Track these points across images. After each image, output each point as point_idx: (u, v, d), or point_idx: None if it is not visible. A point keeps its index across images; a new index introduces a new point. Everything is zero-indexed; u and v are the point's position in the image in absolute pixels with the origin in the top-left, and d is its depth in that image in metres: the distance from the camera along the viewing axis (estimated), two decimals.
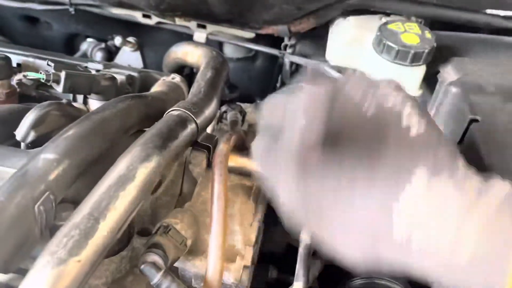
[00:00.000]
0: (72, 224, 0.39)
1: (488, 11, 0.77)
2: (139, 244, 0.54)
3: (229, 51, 1.14)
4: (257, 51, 1.11)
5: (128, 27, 1.11)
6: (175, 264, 0.52)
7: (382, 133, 0.35)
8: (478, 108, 0.60)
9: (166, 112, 0.54)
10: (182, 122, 0.52)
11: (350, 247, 0.35)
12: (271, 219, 0.63)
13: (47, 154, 0.43)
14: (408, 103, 0.36)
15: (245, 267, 0.50)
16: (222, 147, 0.52)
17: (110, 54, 1.04)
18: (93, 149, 0.46)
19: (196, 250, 0.52)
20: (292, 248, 0.72)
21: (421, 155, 0.34)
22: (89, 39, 1.21)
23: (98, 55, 1.02)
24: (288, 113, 0.36)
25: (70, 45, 1.30)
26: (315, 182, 0.35)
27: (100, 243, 0.39)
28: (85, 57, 1.17)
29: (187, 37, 1.04)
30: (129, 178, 0.43)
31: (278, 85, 1.14)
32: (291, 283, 0.63)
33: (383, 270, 0.35)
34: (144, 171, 0.44)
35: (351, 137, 0.35)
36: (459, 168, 0.34)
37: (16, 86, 0.63)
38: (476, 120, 0.59)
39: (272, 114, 0.39)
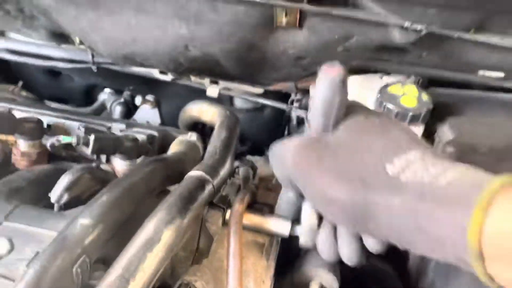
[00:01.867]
0: (105, 285, 0.44)
1: (481, 72, 0.83)
2: None
3: (239, 102, 1.21)
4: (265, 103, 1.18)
5: (145, 81, 1.18)
6: None
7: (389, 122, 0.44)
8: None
9: (186, 175, 0.59)
10: (200, 185, 0.57)
11: (340, 191, 0.39)
12: (279, 273, 0.67)
13: (84, 220, 0.48)
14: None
15: None
16: (237, 207, 0.57)
17: (128, 107, 1.10)
18: (123, 213, 0.51)
19: None
20: None
21: (418, 142, 0.41)
22: (106, 90, 1.29)
23: (117, 109, 1.09)
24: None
25: (88, 95, 1.39)
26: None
27: None
28: (103, 107, 1.25)
29: (201, 91, 1.12)
30: (156, 240, 0.48)
31: (286, 134, 1.20)
32: None
33: (368, 215, 0.38)
34: (169, 233, 0.49)
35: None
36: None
37: (48, 148, 0.69)
38: None
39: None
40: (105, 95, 1.27)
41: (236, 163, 0.81)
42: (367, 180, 0.39)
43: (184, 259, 0.63)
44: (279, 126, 1.21)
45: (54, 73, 1.31)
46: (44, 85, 1.34)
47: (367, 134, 0.43)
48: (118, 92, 1.28)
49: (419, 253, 0.38)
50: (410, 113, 0.74)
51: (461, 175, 0.35)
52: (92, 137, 0.65)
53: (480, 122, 0.76)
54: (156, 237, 0.48)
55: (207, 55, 0.82)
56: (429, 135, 0.80)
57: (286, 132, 1.21)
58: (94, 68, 1.08)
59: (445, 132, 0.75)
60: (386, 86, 0.80)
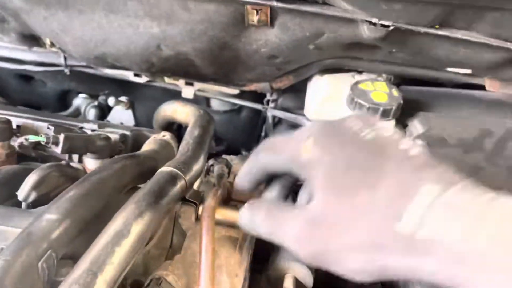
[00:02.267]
0: (72, 279, 0.43)
1: (450, 69, 0.85)
2: None
3: (216, 104, 1.21)
4: (242, 104, 1.19)
5: (119, 84, 1.18)
6: None
7: (381, 153, 0.37)
8: (441, 159, 0.66)
9: (157, 171, 0.59)
10: (172, 180, 0.57)
11: (352, 261, 0.36)
12: (257, 269, 0.67)
13: (50, 215, 0.47)
14: (404, 136, 0.40)
15: None
16: (209, 202, 0.57)
17: (103, 110, 1.09)
18: (91, 208, 0.51)
19: None
20: None
21: (424, 170, 0.35)
22: (81, 95, 1.28)
23: (92, 112, 1.08)
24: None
25: (62, 100, 1.37)
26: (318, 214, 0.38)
27: None
28: (77, 112, 1.23)
29: (176, 93, 1.12)
30: (124, 234, 0.47)
31: (262, 135, 1.20)
32: None
33: (389, 277, 0.35)
34: (138, 227, 0.48)
35: (351, 161, 0.37)
36: (464, 180, 0.35)
37: (17, 148, 0.68)
38: None
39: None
40: (79, 100, 1.26)
41: (211, 161, 0.81)
42: (380, 247, 0.34)
43: (157, 256, 0.62)
44: (256, 127, 1.22)
45: (26, 78, 1.28)
46: (16, 90, 1.32)
47: (356, 185, 0.36)
48: (92, 97, 1.26)
49: None
50: (381, 108, 0.75)
51: (493, 238, 0.30)
52: (62, 136, 0.64)
53: (449, 116, 0.79)
54: (124, 230, 0.47)
55: (179, 54, 0.82)
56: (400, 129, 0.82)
57: (262, 133, 1.22)
58: (67, 71, 1.07)
59: (415, 126, 0.77)
60: (357, 82, 0.81)
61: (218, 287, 0.55)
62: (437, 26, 0.69)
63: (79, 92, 1.28)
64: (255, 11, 0.73)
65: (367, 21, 0.69)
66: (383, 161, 0.36)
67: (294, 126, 1.11)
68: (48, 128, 0.64)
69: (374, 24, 0.68)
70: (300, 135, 0.44)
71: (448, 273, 0.32)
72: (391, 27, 0.68)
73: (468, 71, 0.85)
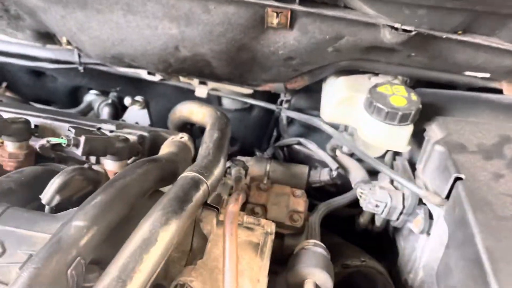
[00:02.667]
0: (102, 287, 0.43)
1: (467, 73, 0.85)
2: None
3: (227, 102, 1.21)
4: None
5: (131, 81, 1.17)
6: None
7: None
8: (461, 166, 0.66)
9: (180, 176, 0.59)
10: (195, 185, 0.57)
11: None
12: (273, 270, 0.68)
13: (78, 222, 0.47)
14: None
15: None
16: (232, 208, 0.57)
17: (116, 108, 1.09)
18: (117, 214, 0.51)
19: None
20: None
21: None
22: (92, 91, 1.27)
23: (105, 110, 1.07)
24: None
25: (73, 96, 1.37)
26: None
27: None
28: (89, 108, 1.23)
29: (189, 92, 1.11)
30: (152, 242, 0.47)
31: (274, 135, 1.20)
32: None
33: None
34: (164, 235, 0.48)
35: None
36: None
37: (38, 149, 0.68)
38: (461, 178, 0.65)
39: None
40: (91, 96, 1.25)
41: (228, 163, 0.81)
42: None
43: (177, 260, 0.62)
44: (268, 126, 1.22)
45: (37, 73, 1.28)
46: (27, 85, 1.32)
47: None
48: (103, 93, 1.26)
49: None
50: (400, 113, 0.75)
51: None
52: (83, 138, 0.64)
53: (467, 121, 0.78)
54: (152, 238, 0.47)
55: (197, 55, 0.81)
56: (416, 134, 0.82)
57: (275, 133, 1.21)
58: (81, 68, 1.07)
59: (434, 131, 0.76)
60: (376, 86, 0.81)
61: None
62: (459, 32, 0.68)
63: (90, 88, 1.28)
64: (275, 14, 0.73)
65: (389, 26, 0.68)
66: None
67: (307, 127, 1.11)
68: (69, 130, 0.64)
69: (396, 29, 0.68)
70: None
71: None
72: (413, 32, 0.68)
73: (487, 75, 0.84)
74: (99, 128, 0.76)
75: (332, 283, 0.61)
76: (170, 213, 0.50)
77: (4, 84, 1.13)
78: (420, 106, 0.77)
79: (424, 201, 0.73)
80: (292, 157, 1.08)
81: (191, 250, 0.64)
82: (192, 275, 0.54)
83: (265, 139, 1.23)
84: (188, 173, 0.59)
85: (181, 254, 0.63)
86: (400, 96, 0.78)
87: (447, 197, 0.67)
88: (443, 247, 0.65)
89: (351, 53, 0.83)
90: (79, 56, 1.03)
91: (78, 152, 0.64)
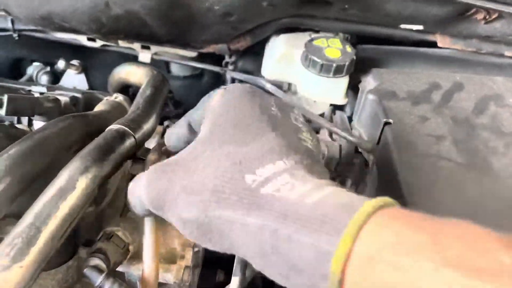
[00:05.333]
0: (16, 233, 0.42)
1: (402, 26, 0.86)
2: (85, 255, 0.57)
3: (176, 70, 1.19)
4: (203, 69, 1.17)
5: (74, 50, 1.13)
6: (122, 269, 0.56)
7: (273, 124, 0.38)
8: (390, 112, 0.68)
9: (106, 129, 0.58)
10: (120, 137, 0.56)
11: (188, 206, 0.35)
12: None
13: None
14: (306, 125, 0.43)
15: (186, 267, 0.55)
16: (150, 156, 0.57)
17: (56, 77, 1.06)
18: (34, 166, 0.50)
19: (139, 254, 0.55)
20: None
21: (295, 151, 0.37)
22: (35, 63, 1.22)
23: (44, 79, 1.04)
24: None
25: (15, 70, 1.31)
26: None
27: (42, 251, 0.42)
28: (31, 81, 1.19)
29: (133, 58, 1.09)
30: (69, 189, 0.46)
31: None
32: None
33: (211, 234, 0.34)
34: (83, 182, 0.47)
35: (240, 120, 0.39)
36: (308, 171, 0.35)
37: None
38: (389, 123, 0.66)
39: None
40: (32, 68, 1.21)
41: (167, 123, 0.80)
42: (220, 194, 0.33)
43: (111, 216, 0.62)
44: None
45: None
46: None
47: (228, 139, 0.37)
48: (47, 65, 1.22)
49: (272, 278, 0.32)
50: (334, 64, 0.76)
51: (332, 196, 0.31)
52: (5, 97, 0.62)
53: (400, 72, 0.80)
54: (69, 185, 0.47)
55: (129, 13, 0.79)
56: (353, 87, 0.83)
57: None
58: (15, 35, 1.02)
59: (368, 81, 0.78)
60: (312, 39, 0.81)
61: (170, 240, 0.55)
62: None
63: (33, 60, 1.24)
64: None
65: None
66: (266, 125, 0.38)
67: None
68: None
69: None
70: (219, 90, 0.44)
71: (269, 229, 0.31)
72: None
73: (420, 27, 0.86)
74: (29, 91, 0.73)
75: None
76: (90, 162, 0.49)
77: None
78: (354, 57, 0.78)
79: (359, 149, 0.75)
80: None
81: (125, 205, 0.63)
82: (120, 225, 0.54)
83: None
84: (113, 126, 0.58)
85: (115, 210, 0.63)
86: (335, 49, 0.79)
87: (378, 142, 0.69)
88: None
89: (287, 9, 0.83)
90: (12, 22, 0.98)
91: (2, 111, 0.62)
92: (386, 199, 0.31)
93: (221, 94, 0.43)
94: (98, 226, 0.60)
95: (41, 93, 0.73)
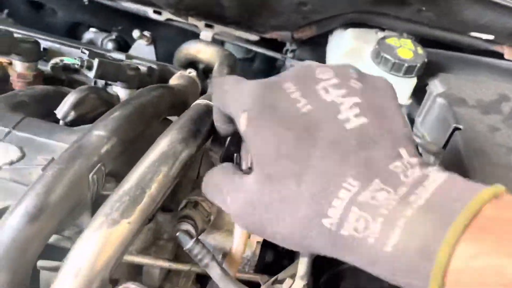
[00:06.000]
0: (123, 191, 0.45)
1: (472, 33, 0.87)
2: (162, 219, 0.60)
3: (230, 51, 1.20)
4: (255, 53, 1.19)
5: (134, 20, 1.15)
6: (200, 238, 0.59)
7: (313, 132, 0.34)
8: (460, 118, 0.69)
9: (193, 103, 0.60)
10: (209, 112, 0.58)
11: (285, 243, 0.36)
12: None
13: (99, 131, 0.48)
14: (354, 96, 0.35)
15: (257, 242, 0.57)
16: None
17: (120, 45, 1.08)
18: (134, 130, 0.52)
19: (216, 226, 0.58)
20: None
21: (350, 159, 0.33)
22: (92, 29, 1.25)
23: (109, 46, 1.06)
24: None
25: (71, 33, 1.33)
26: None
27: (146, 210, 0.45)
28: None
29: (193, 35, 1.10)
30: (169, 156, 0.49)
31: None
32: (285, 266, 0.70)
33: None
34: (182, 151, 0.50)
35: (280, 146, 0.34)
36: (396, 166, 0.33)
37: (49, 69, 0.68)
38: (459, 128, 0.68)
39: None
40: (91, 34, 1.23)
41: None
42: (306, 236, 0.34)
43: (184, 185, 0.64)
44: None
45: (36, 4, 1.25)
46: (23, 17, 1.28)
47: (281, 178, 0.34)
48: (104, 32, 1.24)
49: None
50: (406, 64, 0.77)
51: (403, 240, 0.29)
52: (96, 61, 0.64)
53: (468, 79, 0.81)
54: (169, 152, 0.49)
55: None
56: (420, 89, 0.84)
57: None
58: (85, 0, 1.05)
59: (436, 85, 0.79)
60: (384, 37, 0.82)
61: None
62: None
63: (90, 26, 1.26)
64: None
65: None
66: (312, 146, 0.33)
67: None
68: (82, 52, 0.64)
69: None
70: (237, 102, 0.40)
71: (369, 271, 0.32)
72: None
73: (491, 37, 0.86)
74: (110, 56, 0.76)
75: None
76: (187, 133, 0.52)
77: (5, 11, 1.10)
78: (426, 60, 0.79)
79: (420, 150, 0.76)
80: None
81: (197, 177, 0.66)
82: (203, 195, 0.57)
83: None
84: (201, 101, 0.60)
85: (188, 181, 0.65)
86: (407, 49, 0.80)
87: (444, 146, 0.70)
88: None
89: (362, 4, 0.84)
90: None
91: (91, 74, 0.65)
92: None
93: (246, 119, 0.38)
94: (173, 194, 0.63)
95: (121, 61, 0.75)
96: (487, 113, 0.71)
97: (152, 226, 0.58)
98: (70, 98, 0.57)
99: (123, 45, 1.10)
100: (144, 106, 0.55)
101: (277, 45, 1.10)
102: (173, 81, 0.74)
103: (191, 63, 0.94)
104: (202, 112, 0.57)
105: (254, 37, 1.05)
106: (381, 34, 0.92)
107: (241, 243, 0.51)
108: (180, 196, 0.62)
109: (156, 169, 0.47)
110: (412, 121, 0.85)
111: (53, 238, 0.50)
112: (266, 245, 0.80)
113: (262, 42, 1.10)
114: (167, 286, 0.59)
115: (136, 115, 0.53)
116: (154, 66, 0.77)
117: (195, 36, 1.10)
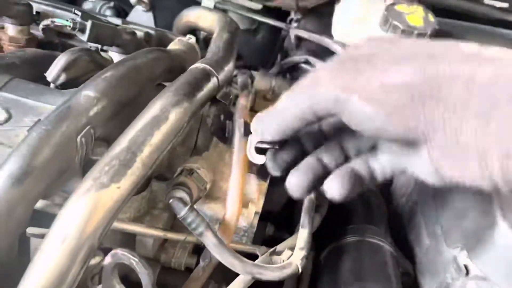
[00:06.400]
0: (113, 155, 0.42)
1: (486, 1, 0.82)
2: (157, 188, 0.58)
3: None
4: (259, 24, 1.14)
5: None
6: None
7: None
8: None
9: (191, 67, 0.57)
10: (206, 76, 0.56)
11: (403, 71, 0.32)
12: (270, 181, 0.68)
13: (88, 92, 0.46)
14: None
15: (256, 213, 0.55)
16: (243, 102, 0.56)
17: (119, 13, 1.05)
18: (127, 92, 0.50)
19: (212, 195, 0.56)
20: (288, 208, 0.77)
21: None
22: None
23: (108, 13, 1.03)
24: None
25: (70, 2, 1.30)
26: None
27: (137, 175, 0.43)
28: None
29: (194, 4, 1.06)
30: (162, 119, 0.46)
31: (279, 59, 1.17)
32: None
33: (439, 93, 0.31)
34: (175, 114, 0.47)
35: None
36: None
37: (40, 31, 0.65)
38: None
39: None
40: (89, 4, 1.20)
41: (235, 72, 0.79)
42: (438, 56, 0.32)
43: (181, 154, 0.62)
44: (272, 50, 1.18)
45: None
46: None
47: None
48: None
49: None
50: (416, 32, 0.73)
51: None
52: (89, 23, 0.61)
53: None
54: (162, 116, 0.46)
55: None
56: None
57: (279, 57, 1.19)
58: None
59: None
60: (394, 4, 0.78)
61: (245, 185, 0.55)
62: None
63: None
64: None
65: None
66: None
67: (315, 52, 1.08)
68: (75, 13, 0.61)
69: None
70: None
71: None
72: None
73: (505, 4, 0.82)
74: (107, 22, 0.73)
75: None
76: (181, 96, 0.49)
77: None
78: (437, 27, 0.75)
79: None
80: (297, 77, 1.06)
81: (195, 147, 0.63)
82: (199, 163, 0.54)
83: (269, 63, 1.20)
84: (198, 65, 0.57)
85: (186, 149, 0.63)
86: (417, 16, 0.76)
87: None
88: None
89: None
90: None
91: (84, 37, 0.62)
92: None
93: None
94: (169, 163, 0.61)
95: (117, 25, 0.72)
96: None
97: (146, 194, 0.56)
98: (61, 60, 0.54)
99: (123, 15, 1.06)
100: (138, 68, 0.52)
101: (281, 15, 1.06)
102: (172, 46, 0.71)
103: (192, 32, 0.90)
104: (199, 76, 0.55)
105: (257, 5, 1.01)
106: (390, 1, 0.87)
107: (234, 210, 0.49)
108: (176, 165, 0.60)
109: (148, 132, 0.45)
110: None
111: (44, 205, 0.48)
112: (266, 219, 0.79)
113: (266, 12, 1.06)
114: (162, 257, 0.57)
115: (129, 77, 0.50)
116: (152, 32, 0.73)
117: (196, 4, 1.06)
